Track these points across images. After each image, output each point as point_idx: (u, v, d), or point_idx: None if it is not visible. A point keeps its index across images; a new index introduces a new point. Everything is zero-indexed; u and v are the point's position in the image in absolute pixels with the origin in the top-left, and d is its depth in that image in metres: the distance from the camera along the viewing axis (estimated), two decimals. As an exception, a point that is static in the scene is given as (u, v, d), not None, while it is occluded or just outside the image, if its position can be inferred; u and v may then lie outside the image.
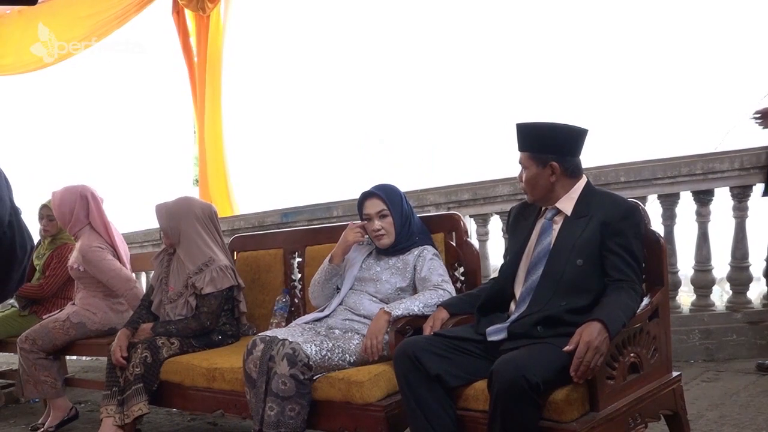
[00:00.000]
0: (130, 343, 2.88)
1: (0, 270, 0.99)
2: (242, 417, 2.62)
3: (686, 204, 3.75)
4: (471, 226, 4.10)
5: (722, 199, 3.67)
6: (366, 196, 2.61)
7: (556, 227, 2.12)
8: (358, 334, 2.45)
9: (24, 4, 1.07)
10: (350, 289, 2.60)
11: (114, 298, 3.54)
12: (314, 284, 2.68)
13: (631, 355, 2.00)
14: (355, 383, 2.23)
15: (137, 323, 3.01)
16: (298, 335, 2.40)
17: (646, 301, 2.06)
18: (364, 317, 2.49)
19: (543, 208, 2.19)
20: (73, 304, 3.59)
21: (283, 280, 3.22)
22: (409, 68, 8.73)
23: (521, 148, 2.16)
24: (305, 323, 2.56)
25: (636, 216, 2.07)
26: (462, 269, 2.66)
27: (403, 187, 2.71)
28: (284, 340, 2.34)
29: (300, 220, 4.80)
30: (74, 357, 4.67)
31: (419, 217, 2.70)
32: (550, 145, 2.11)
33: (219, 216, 3.30)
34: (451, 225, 2.70)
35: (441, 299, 2.36)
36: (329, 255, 2.66)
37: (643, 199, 3.66)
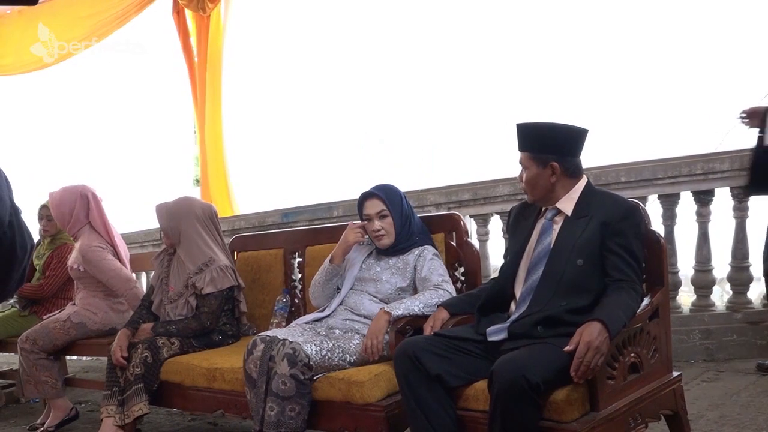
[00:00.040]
0: (131, 343, 2.88)
1: (0, 270, 0.99)
2: (242, 417, 2.63)
3: (686, 204, 3.75)
4: (471, 226, 4.10)
5: (722, 199, 3.67)
6: (366, 196, 2.61)
7: (557, 227, 2.12)
8: (359, 334, 2.45)
9: (24, 4, 1.08)
10: (350, 289, 2.60)
11: (114, 297, 3.54)
12: (315, 284, 2.68)
13: (632, 355, 2.00)
14: (355, 383, 2.23)
15: (137, 323, 3.01)
16: (298, 335, 2.40)
17: (646, 301, 2.06)
18: (365, 317, 2.49)
19: (543, 208, 2.19)
20: (74, 304, 3.59)
21: (284, 280, 3.22)
22: (409, 68, 8.73)
23: (521, 148, 2.16)
24: (305, 323, 2.56)
25: (636, 216, 2.07)
26: (462, 269, 2.66)
27: (403, 187, 2.71)
28: (284, 340, 2.34)
29: (300, 220, 4.80)
30: (74, 357, 4.67)
31: (419, 217, 2.70)
32: (550, 146, 2.11)
33: (219, 216, 3.30)
34: (451, 225, 2.70)
35: (441, 299, 2.37)
36: (330, 255, 2.66)
37: (644, 199, 3.66)
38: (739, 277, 3.70)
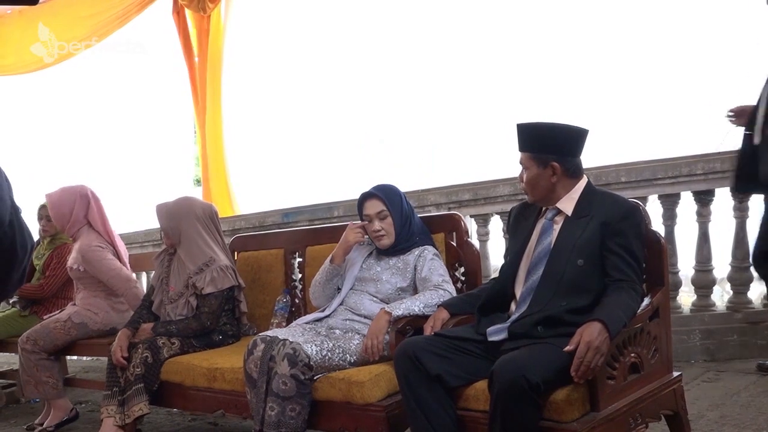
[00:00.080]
0: (131, 343, 2.88)
1: (0, 269, 0.99)
2: (243, 417, 2.63)
3: (687, 204, 3.75)
4: (471, 226, 4.10)
5: (723, 199, 3.67)
6: (365, 196, 2.61)
7: (557, 227, 2.12)
8: (359, 334, 2.45)
9: (25, 4, 1.08)
10: (351, 289, 2.60)
11: (115, 297, 3.54)
12: (315, 284, 2.68)
13: (632, 355, 2.00)
14: (355, 383, 2.23)
15: (138, 323, 3.01)
16: (298, 335, 2.40)
17: (646, 301, 2.06)
18: (365, 317, 2.49)
19: (543, 209, 2.19)
20: (74, 304, 3.59)
21: (284, 280, 3.22)
22: (409, 68, 8.73)
23: (522, 148, 2.16)
24: (306, 323, 2.56)
25: (636, 216, 2.07)
26: (462, 269, 2.66)
27: (404, 187, 2.71)
28: (285, 340, 2.34)
29: (301, 220, 4.80)
30: (75, 357, 4.67)
31: (420, 217, 2.70)
32: (550, 146, 2.11)
33: (220, 216, 3.30)
34: (451, 225, 2.70)
35: (441, 299, 2.37)
36: (330, 255, 2.66)
37: (644, 199, 3.66)
38: (740, 277, 3.70)
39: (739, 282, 3.71)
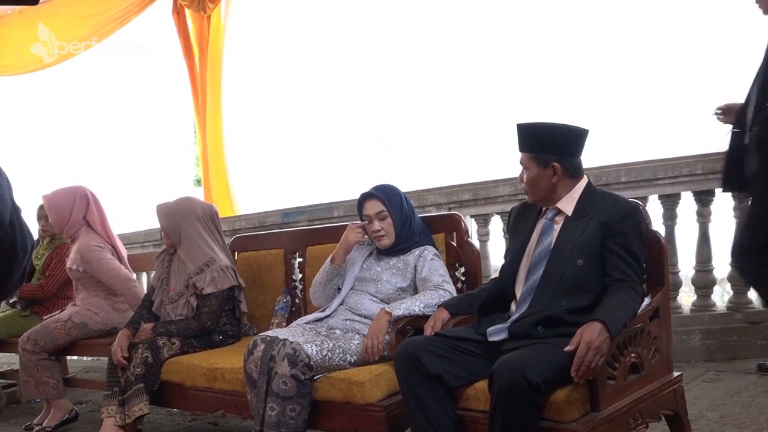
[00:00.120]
0: (131, 344, 2.88)
1: (1, 269, 1.00)
2: (243, 417, 2.62)
3: (687, 204, 3.75)
4: (472, 226, 4.10)
5: (723, 199, 3.67)
6: (365, 197, 2.61)
7: (557, 227, 2.12)
8: (359, 334, 2.45)
9: (25, 4, 1.08)
10: (351, 289, 2.60)
11: (115, 297, 3.54)
12: (315, 285, 2.68)
13: (632, 355, 2.00)
14: (355, 383, 2.23)
15: (138, 323, 3.01)
16: (298, 335, 2.40)
17: (646, 301, 2.06)
18: (365, 317, 2.49)
19: (543, 209, 2.19)
20: (74, 304, 3.59)
21: (284, 280, 3.22)
22: (409, 68, 8.73)
23: (522, 148, 2.16)
24: (306, 323, 2.56)
25: (637, 216, 2.07)
26: (463, 269, 2.66)
27: (404, 188, 2.71)
28: (285, 340, 2.34)
29: (301, 221, 4.80)
30: (75, 357, 4.67)
31: (420, 217, 2.70)
32: (550, 146, 2.11)
33: (220, 216, 3.30)
34: (451, 225, 2.70)
35: (442, 299, 2.37)
36: (330, 255, 2.66)
37: (644, 199, 3.65)
38: (740, 278, 3.69)
39: (739, 282, 3.70)
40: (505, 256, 2.29)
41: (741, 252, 3.01)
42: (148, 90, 8.68)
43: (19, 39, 6.85)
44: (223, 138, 6.13)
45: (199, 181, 8.00)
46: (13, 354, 3.71)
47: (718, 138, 3.13)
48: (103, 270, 3.44)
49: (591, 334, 1.79)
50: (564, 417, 1.82)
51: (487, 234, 4.18)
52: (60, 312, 3.62)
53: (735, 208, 3.66)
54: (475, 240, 3.70)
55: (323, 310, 2.62)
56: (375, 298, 2.53)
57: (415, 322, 2.34)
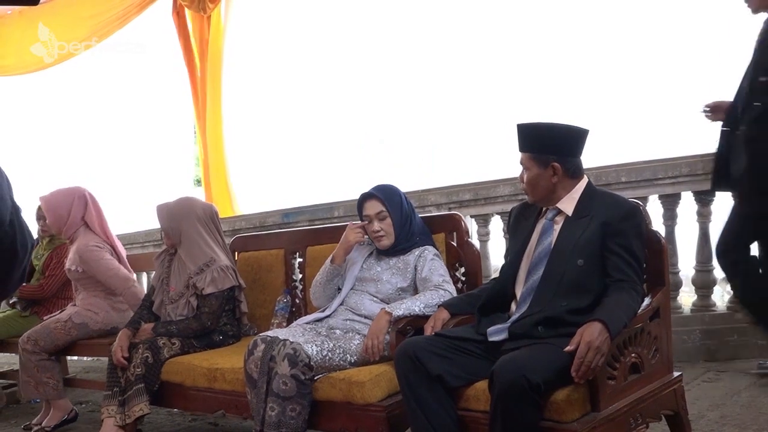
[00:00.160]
0: (131, 344, 2.88)
1: (1, 268, 1.00)
2: (243, 417, 2.62)
3: (687, 204, 3.75)
4: (472, 226, 4.09)
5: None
6: (365, 197, 2.61)
7: (557, 227, 2.12)
8: (359, 334, 2.45)
9: (26, 4, 1.08)
10: (351, 289, 2.60)
11: (115, 297, 3.54)
12: (316, 285, 2.68)
13: (632, 355, 2.00)
14: (356, 383, 2.23)
15: (138, 323, 3.01)
16: (299, 335, 2.40)
17: (647, 301, 2.06)
18: (365, 317, 2.49)
19: (544, 209, 2.19)
20: (74, 304, 3.59)
21: (284, 280, 3.22)
22: (409, 68, 8.74)
23: (522, 148, 2.16)
24: (306, 323, 2.56)
25: (637, 216, 2.07)
26: (463, 269, 2.65)
27: (404, 188, 2.71)
28: (285, 340, 2.34)
29: (301, 221, 4.80)
30: (75, 357, 4.67)
31: (420, 217, 2.70)
32: (550, 146, 2.10)
33: (220, 216, 3.30)
34: (452, 225, 2.70)
35: (442, 299, 2.36)
36: (331, 255, 2.66)
37: (645, 199, 3.65)
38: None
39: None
40: (505, 256, 2.28)
41: (725, 249, 3.03)
42: (148, 90, 8.69)
43: (19, 39, 6.85)
44: (224, 138, 6.13)
45: (199, 181, 8.01)
46: (14, 354, 3.71)
47: (717, 138, 3.13)
48: (101, 270, 3.44)
49: (591, 334, 1.79)
50: (564, 417, 1.82)
51: (488, 234, 4.18)
52: (60, 312, 3.62)
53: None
54: (475, 240, 3.70)
55: (323, 310, 2.62)
56: (375, 298, 2.53)
57: (416, 322, 2.34)
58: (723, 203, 3.66)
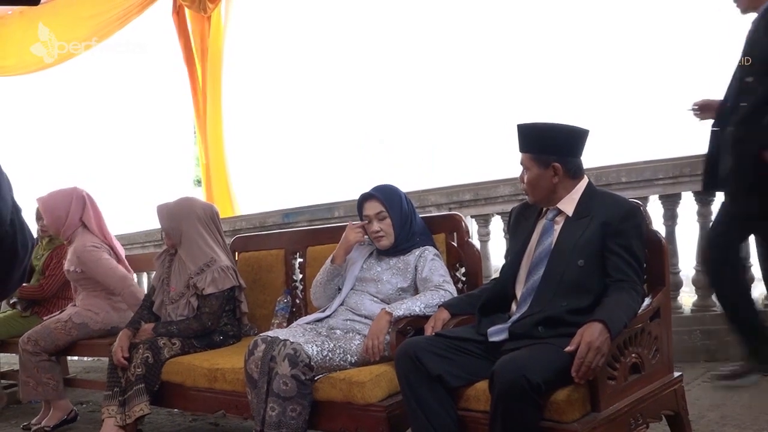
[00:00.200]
0: (132, 344, 2.88)
1: (1, 268, 1.00)
2: (243, 417, 2.62)
3: (688, 204, 3.75)
4: (472, 226, 4.09)
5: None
6: (364, 197, 2.61)
7: (557, 228, 2.12)
8: (360, 334, 2.45)
9: (26, 5, 1.08)
10: (351, 289, 2.60)
11: (114, 296, 3.54)
12: (316, 285, 2.68)
13: (633, 355, 2.00)
14: (356, 383, 2.23)
15: (138, 323, 3.01)
16: (299, 336, 2.40)
17: (647, 301, 2.06)
18: (366, 317, 2.49)
19: (544, 209, 2.19)
20: (74, 305, 3.59)
21: (285, 280, 3.22)
22: (409, 68, 8.74)
23: (522, 149, 2.16)
24: (306, 324, 2.56)
25: (637, 216, 2.07)
26: (463, 270, 2.65)
27: (404, 188, 2.71)
28: (285, 340, 2.34)
29: (301, 221, 4.79)
30: (75, 357, 4.67)
31: (421, 217, 2.70)
32: (551, 146, 2.10)
33: (220, 216, 3.30)
34: (452, 225, 2.70)
35: (442, 300, 2.36)
36: (331, 255, 2.66)
37: (645, 199, 3.65)
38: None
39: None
40: (506, 257, 2.29)
41: (712, 249, 3.04)
42: (148, 90, 8.69)
43: (20, 39, 6.84)
44: (224, 138, 6.13)
45: (199, 182, 8.00)
46: (14, 354, 3.71)
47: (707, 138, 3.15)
48: (100, 270, 3.44)
49: (591, 334, 1.79)
50: (564, 417, 1.82)
51: (488, 234, 4.18)
52: (60, 312, 3.62)
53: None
54: (475, 240, 3.69)
55: (324, 311, 2.62)
56: (375, 299, 2.53)
57: (416, 322, 2.34)
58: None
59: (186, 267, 3.02)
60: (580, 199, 2.11)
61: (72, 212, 3.48)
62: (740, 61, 2.92)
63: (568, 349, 1.80)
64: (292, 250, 3.23)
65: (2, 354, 4.10)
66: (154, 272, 3.28)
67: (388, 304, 2.44)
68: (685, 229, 3.78)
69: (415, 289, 2.53)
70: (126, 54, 7.06)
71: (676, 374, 2.19)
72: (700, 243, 3.11)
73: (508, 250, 2.32)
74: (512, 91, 7.95)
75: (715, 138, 3.04)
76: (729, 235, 3.06)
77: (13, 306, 3.96)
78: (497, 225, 4.18)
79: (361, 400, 2.22)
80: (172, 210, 3.09)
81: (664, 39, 7.18)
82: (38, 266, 3.85)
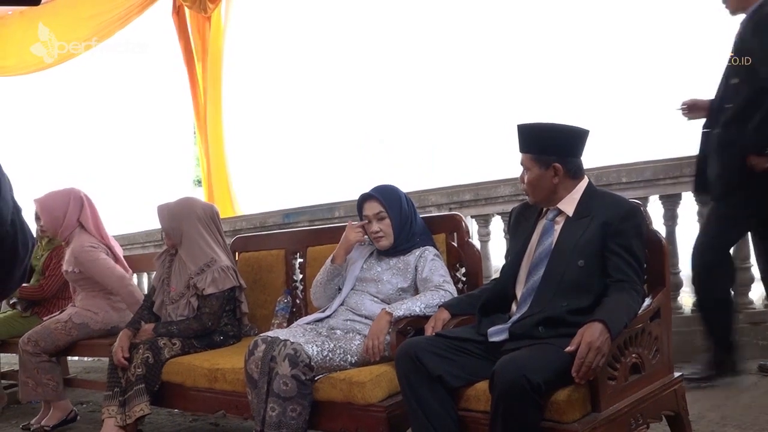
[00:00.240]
0: (132, 344, 2.88)
1: (2, 268, 1.00)
2: (244, 418, 2.62)
3: (688, 204, 3.75)
4: (472, 226, 4.09)
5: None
6: (364, 198, 2.61)
7: (558, 228, 2.12)
8: (360, 334, 2.45)
9: (27, 5, 1.08)
10: (351, 289, 2.60)
11: (114, 296, 3.54)
12: (316, 285, 2.68)
13: (633, 355, 2.00)
14: (356, 384, 2.23)
15: (139, 324, 3.01)
16: (299, 336, 2.40)
17: (647, 301, 2.06)
18: (366, 318, 2.49)
19: (544, 209, 2.19)
20: (74, 305, 3.59)
21: (285, 280, 3.22)
22: (409, 68, 8.74)
23: (523, 149, 2.16)
24: (307, 324, 2.56)
25: (637, 217, 2.07)
26: (463, 270, 2.65)
27: (404, 188, 2.71)
28: (286, 340, 2.34)
29: (301, 221, 4.79)
30: (76, 357, 4.67)
31: (421, 217, 2.70)
32: (551, 146, 2.10)
33: (221, 216, 3.30)
34: (452, 225, 2.70)
35: (442, 300, 2.36)
36: (331, 255, 2.66)
37: (645, 199, 3.65)
38: (741, 278, 3.69)
39: (740, 283, 3.69)
40: (506, 257, 2.29)
41: (702, 250, 3.04)
42: (148, 90, 8.69)
43: (20, 40, 6.84)
44: (224, 138, 6.13)
45: (199, 182, 8.01)
46: (14, 354, 3.71)
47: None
48: (97, 270, 3.44)
49: (592, 334, 1.79)
50: (565, 417, 1.82)
51: (488, 234, 4.18)
52: (60, 313, 3.61)
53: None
54: (475, 240, 3.70)
55: (324, 311, 2.62)
56: (376, 299, 2.53)
57: (416, 322, 2.34)
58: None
59: (186, 267, 3.02)
60: (580, 199, 2.11)
61: (69, 213, 3.48)
62: (729, 62, 2.94)
63: (569, 349, 1.80)
64: (292, 250, 3.23)
65: (2, 354, 4.10)
66: (155, 272, 3.28)
67: (389, 304, 2.44)
68: (686, 229, 3.78)
69: (415, 290, 2.52)
70: (126, 54, 7.05)
71: (677, 374, 2.19)
72: (694, 250, 3.11)
73: (508, 251, 2.32)
74: (512, 91, 7.94)
75: (706, 139, 3.04)
76: (723, 237, 3.07)
77: (13, 306, 3.96)
78: (497, 225, 4.18)
79: (361, 400, 2.22)
80: (172, 210, 3.09)
81: (664, 39, 7.18)
82: (38, 266, 3.85)
